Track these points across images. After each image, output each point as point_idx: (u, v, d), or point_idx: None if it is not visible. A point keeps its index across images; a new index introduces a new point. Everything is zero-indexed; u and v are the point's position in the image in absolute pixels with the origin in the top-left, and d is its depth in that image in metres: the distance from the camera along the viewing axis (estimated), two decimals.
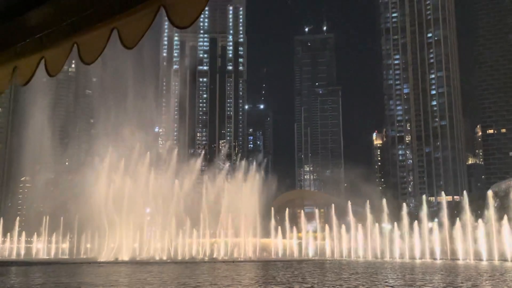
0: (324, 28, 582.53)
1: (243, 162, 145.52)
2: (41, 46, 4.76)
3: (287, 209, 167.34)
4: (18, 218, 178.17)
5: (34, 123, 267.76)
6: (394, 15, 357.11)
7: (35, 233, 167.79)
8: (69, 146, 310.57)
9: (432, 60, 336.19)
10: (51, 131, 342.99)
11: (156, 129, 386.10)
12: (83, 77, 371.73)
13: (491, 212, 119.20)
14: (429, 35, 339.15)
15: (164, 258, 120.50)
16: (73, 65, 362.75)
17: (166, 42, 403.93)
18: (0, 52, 4.84)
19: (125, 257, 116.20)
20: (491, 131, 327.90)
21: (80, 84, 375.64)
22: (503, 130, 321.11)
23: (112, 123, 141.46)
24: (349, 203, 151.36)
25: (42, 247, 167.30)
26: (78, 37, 4.52)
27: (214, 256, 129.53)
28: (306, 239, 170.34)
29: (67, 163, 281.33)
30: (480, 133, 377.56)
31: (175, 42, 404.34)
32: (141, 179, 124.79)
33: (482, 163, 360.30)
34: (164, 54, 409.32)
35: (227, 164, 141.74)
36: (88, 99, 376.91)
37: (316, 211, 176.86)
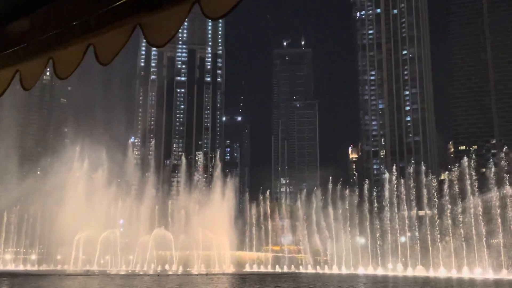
0: (302, 42, 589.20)
1: (220, 174, 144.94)
2: (16, 59, 4.79)
3: (263, 222, 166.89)
4: None
5: (6, 130, 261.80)
6: (370, 32, 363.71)
7: (3, 243, 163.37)
8: (41, 155, 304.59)
9: (406, 77, 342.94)
10: (23, 139, 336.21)
11: (132, 139, 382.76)
12: (58, 86, 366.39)
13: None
14: (404, 52, 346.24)
15: (136, 270, 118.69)
16: (48, 73, 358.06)
17: (143, 52, 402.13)
18: None
19: (96, 269, 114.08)
20: (462, 147, 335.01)
21: (55, 93, 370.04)
22: (475, 147, 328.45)
23: (86, 133, 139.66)
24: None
25: (10, 258, 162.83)
26: (54, 52, 4.55)
27: (188, 269, 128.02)
28: (282, 252, 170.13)
29: (38, 172, 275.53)
30: (452, 149, 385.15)
31: (153, 53, 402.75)
32: (114, 190, 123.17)
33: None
34: (142, 64, 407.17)
35: (203, 176, 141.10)
36: (62, 108, 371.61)
37: (292, 224, 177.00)
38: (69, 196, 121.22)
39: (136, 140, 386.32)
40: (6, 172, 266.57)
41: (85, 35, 4.26)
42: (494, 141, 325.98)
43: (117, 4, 3.93)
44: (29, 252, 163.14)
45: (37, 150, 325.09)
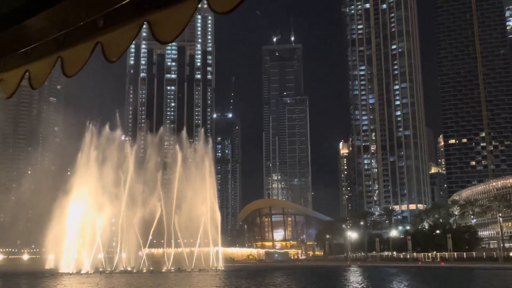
0: (292, 38, 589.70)
1: (212, 170, 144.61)
2: (26, 60, 4.85)
3: (255, 218, 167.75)
4: None
5: None
6: (360, 27, 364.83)
7: None
8: (32, 155, 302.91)
9: (396, 72, 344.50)
10: (13, 139, 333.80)
11: (122, 138, 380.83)
12: (47, 84, 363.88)
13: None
14: (394, 47, 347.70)
15: (129, 269, 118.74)
16: None
17: (133, 50, 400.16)
18: None
19: (89, 268, 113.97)
20: (452, 141, 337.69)
21: (44, 92, 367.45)
22: (464, 140, 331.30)
23: (76, 132, 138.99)
24: None
25: (1, 258, 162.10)
26: (62, 52, 4.63)
27: (180, 266, 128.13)
28: (273, 247, 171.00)
29: (29, 172, 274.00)
30: (442, 143, 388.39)
31: (143, 50, 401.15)
32: (105, 189, 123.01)
33: (444, 172, 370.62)
34: (131, 62, 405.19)
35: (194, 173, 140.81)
36: (52, 107, 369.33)
37: (284, 220, 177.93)
38: (61, 195, 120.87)
39: (127, 139, 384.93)
40: None
41: (93, 34, 4.33)
42: (483, 134, 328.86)
43: (124, 2, 3.98)
44: (21, 252, 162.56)
45: (27, 149, 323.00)
